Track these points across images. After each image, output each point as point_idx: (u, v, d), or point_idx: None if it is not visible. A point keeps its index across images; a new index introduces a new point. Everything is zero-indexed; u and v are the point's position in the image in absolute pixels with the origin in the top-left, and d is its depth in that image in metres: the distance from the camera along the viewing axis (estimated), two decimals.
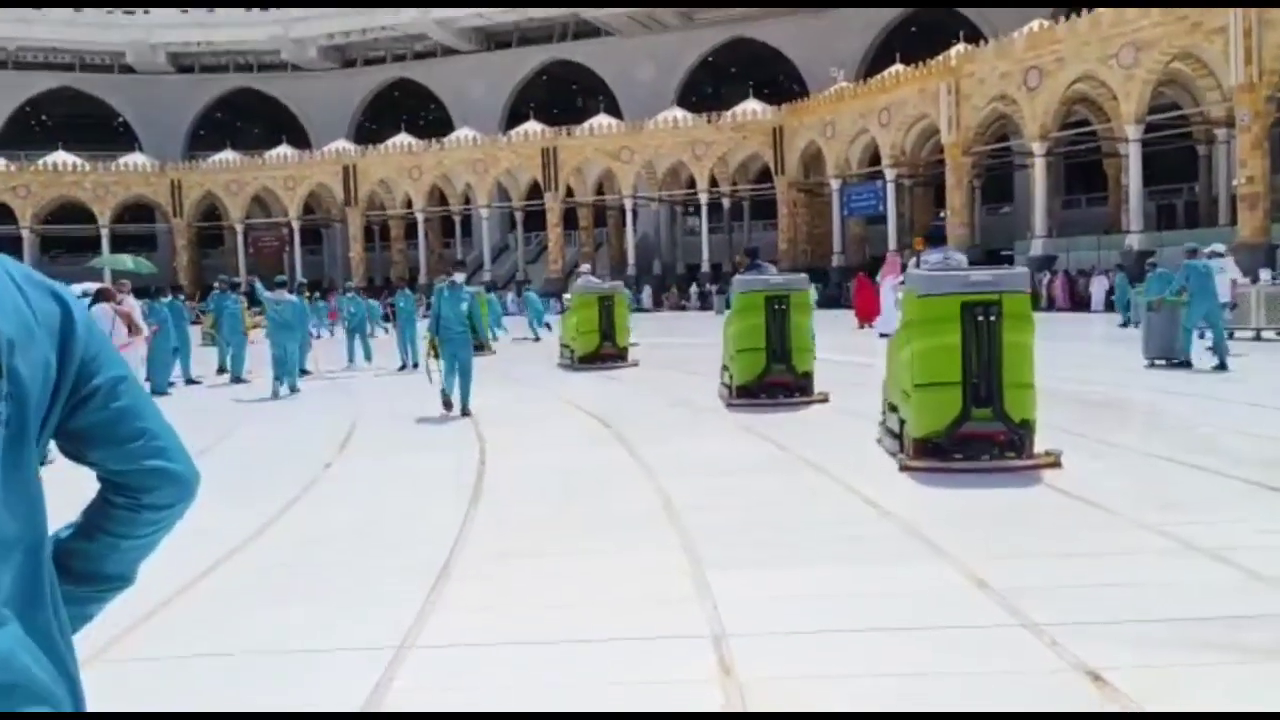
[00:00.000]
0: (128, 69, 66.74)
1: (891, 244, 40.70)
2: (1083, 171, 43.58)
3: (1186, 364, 12.66)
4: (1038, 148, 35.02)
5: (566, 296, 18.58)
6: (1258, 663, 3.43)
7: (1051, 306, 31.94)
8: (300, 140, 62.02)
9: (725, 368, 10.97)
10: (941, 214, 41.95)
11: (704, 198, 49.71)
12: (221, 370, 17.17)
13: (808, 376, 10.39)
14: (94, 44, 65.08)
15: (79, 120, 64.45)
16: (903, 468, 6.82)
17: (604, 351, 15.85)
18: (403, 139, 55.57)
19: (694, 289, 47.19)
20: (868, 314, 24.06)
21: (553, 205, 51.53)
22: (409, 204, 55.91)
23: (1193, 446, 7.57)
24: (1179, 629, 3.67)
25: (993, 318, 6.58)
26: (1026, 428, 6.75)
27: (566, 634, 3.89)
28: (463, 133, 55.20)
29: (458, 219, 58.27)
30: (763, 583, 4.49)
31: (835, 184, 44.48)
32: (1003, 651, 3.55)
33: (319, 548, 5.48)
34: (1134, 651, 3.46)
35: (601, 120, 52.12)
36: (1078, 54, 32.75)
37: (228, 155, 58.30)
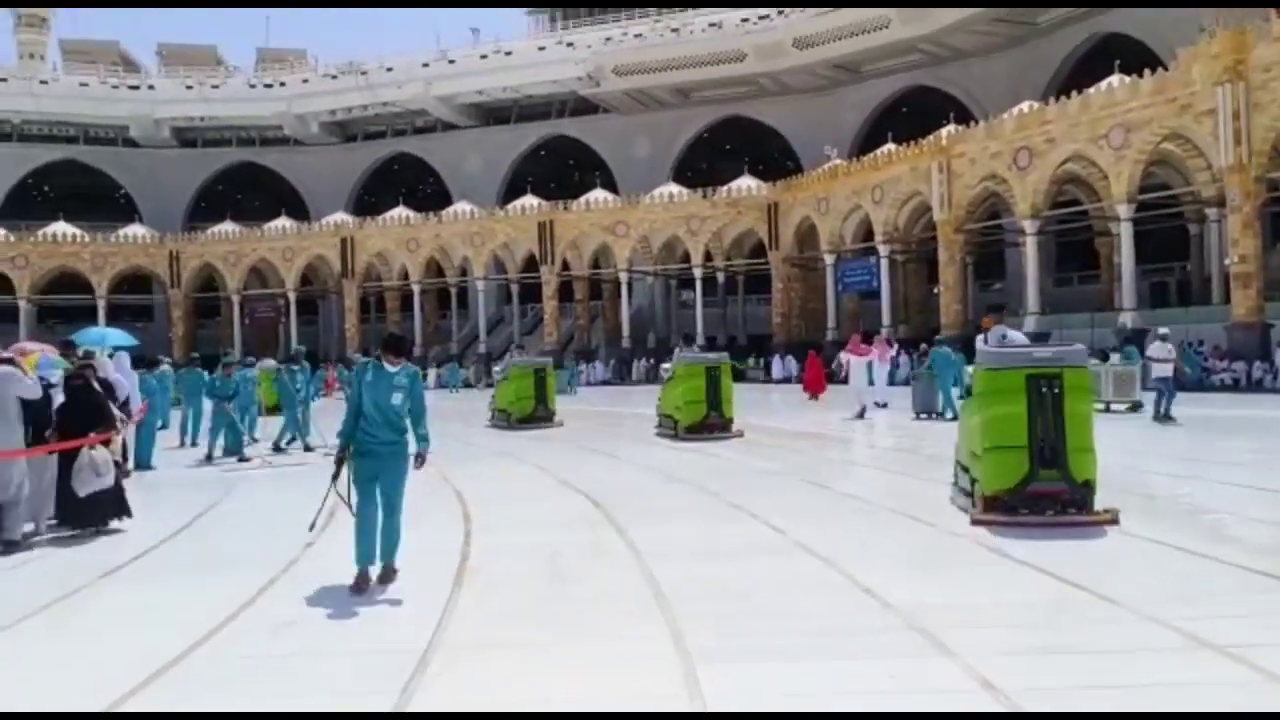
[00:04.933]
0: (131, 142, 67.63)
1: (886, 319, 40.88)
2: (1075, 249, 43.93)
3: (941, 416, 18.47)
4: (1029, 226, 35.30)
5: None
6: None
7: None
8: (300, 213, 62.53)
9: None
10: (935, 290, 42.13)
11: (699, 272, 49.99)
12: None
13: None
14: (99, 118, 66.00)
15: (81, 192, 64.99)
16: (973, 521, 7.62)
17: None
18: (401, 212, 56.05)
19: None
20: (815, 388, 27.53)
21: (549, 278, 51.78)
22: (406, 276, 56.15)
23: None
24: None
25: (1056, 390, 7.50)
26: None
27: None
28: (460, 206, 55.74)
29: (454, 291, 58.49)
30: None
31: (829, 259, 44.76)
32: None
33: (293, 633, 5.25)
34: None
35: (598, 195, 52.68)
36: (1068, 135, 33.19)
37: (227, 227, 58.73)
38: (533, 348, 52.99)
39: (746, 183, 49.92)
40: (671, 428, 16.61)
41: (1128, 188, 31.69)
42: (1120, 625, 4.95)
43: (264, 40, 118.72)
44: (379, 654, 4.82)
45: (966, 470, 8.31)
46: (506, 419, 19.36)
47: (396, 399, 6.27)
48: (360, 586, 6.07)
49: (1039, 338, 31.89)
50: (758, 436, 16.17)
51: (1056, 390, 7.35)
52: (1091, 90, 33.15)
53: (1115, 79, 33.06)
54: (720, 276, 52.02)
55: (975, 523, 7.50)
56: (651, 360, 49.64)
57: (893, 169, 40.55)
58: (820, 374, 28.51)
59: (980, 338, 9.22)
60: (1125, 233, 32.61)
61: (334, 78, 65.41)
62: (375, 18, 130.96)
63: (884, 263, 41.74)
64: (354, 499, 6.17)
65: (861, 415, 19.68)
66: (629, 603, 5.69)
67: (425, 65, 62.87)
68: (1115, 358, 21.38)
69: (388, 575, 6.24)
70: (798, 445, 15.78)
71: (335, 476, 6.25)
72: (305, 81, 66.22)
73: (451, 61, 62.71)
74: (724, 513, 8.96)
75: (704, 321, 49.89)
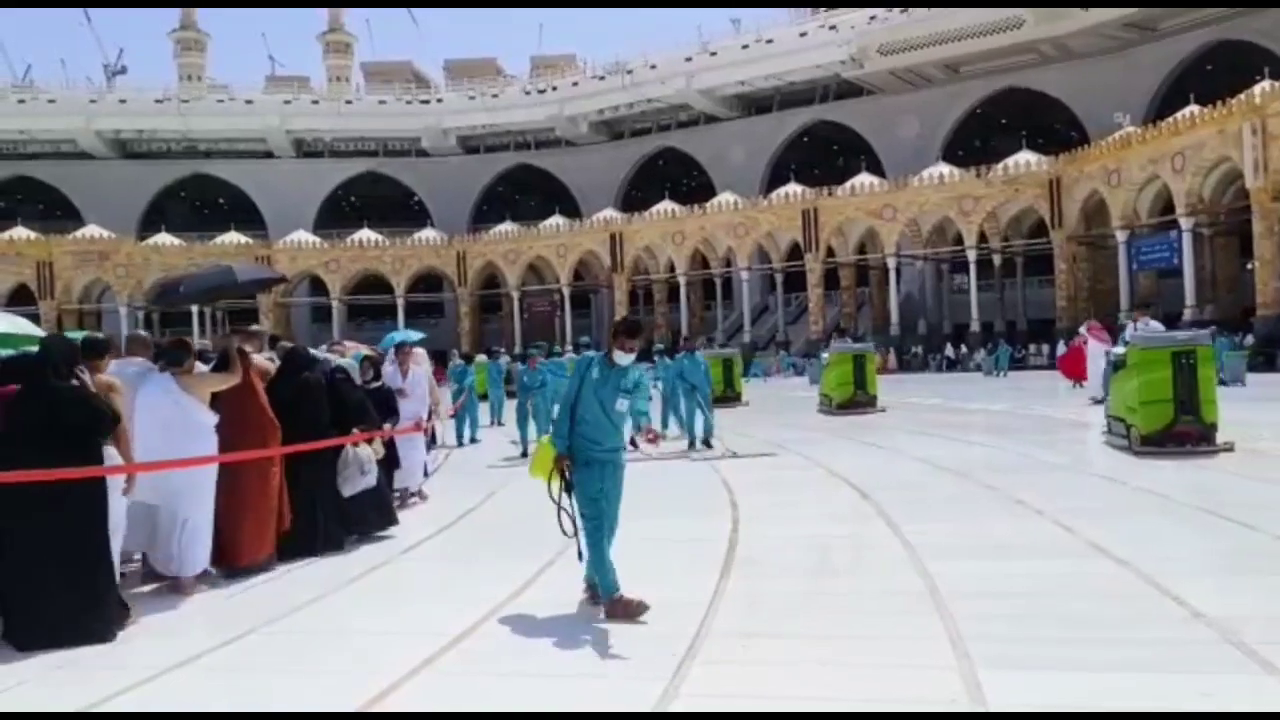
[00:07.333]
0: (422, 153, 73.36)
1: (1189, 299, 37.42)
2: None
3: None
4: None
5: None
6: None
7: None
8: (571, 211, 65.43)
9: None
10: (1249, 265, 37.92)
11: (972, 254, 47.66)
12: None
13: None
14: (395, 131, 72.14)
15: (381, 201, 71.43)
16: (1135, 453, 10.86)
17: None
18: (666, 205, 57.29)
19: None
20: (1077, 373, 24.56)
21: (813, 266, 51.16)
22: (672, 268, 57.36)
23: None
24: None
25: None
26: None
27: None
28: (724, 197, 56.18)
29: (719, 281, 59.10)
30: None
31: (1121, 236, 41.36)
32: None
33: (567, 617, 5.42)
34: None
35: (863, 179, 51.42)
36: None
37: (506, 227, 62.47)
38: (797, 337, 52.90)
39: (1024, 157, 47.04)
40: (827, 405, 20.23)
41: None
42: None
43: (537, 48, 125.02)
44: (649, 639, 4.87)
45: (1121, 420, 11.62)
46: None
47: (622, 405, 5.37)
48: (621, 609, 5.18)
49: None
50: (1018, 424, 15.22)
51: (1192, 361, 10.70)
52: None
53: None
54: (996, 259, 49.35)
55: (1136, 453, 10.77)
56: (918, 349, 48.04)
57: (1197, 133, 36.84)
58: (1082, 358, 26.28)
59: (1130, 325, 13.24)
60: None
61: (601, 78, 67.88)
62: (640, 17, 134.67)
63: (1186, 237, 38.05)
64: (579, 522, 5.33)
65: (1098, 401, 18.25)
66: (904, 599, 5.45)
67: (688, 60, 63.85)
68: None
69: (617, 603, 5.23)
70: (1074, 435, 14.68)
71: (568, 489, 5.34)
72: (575, 84, 69.17)
73: (713, 54, 63.34)
74: (1005, 507, 8.44)
75: (979, 307, 47.61)
